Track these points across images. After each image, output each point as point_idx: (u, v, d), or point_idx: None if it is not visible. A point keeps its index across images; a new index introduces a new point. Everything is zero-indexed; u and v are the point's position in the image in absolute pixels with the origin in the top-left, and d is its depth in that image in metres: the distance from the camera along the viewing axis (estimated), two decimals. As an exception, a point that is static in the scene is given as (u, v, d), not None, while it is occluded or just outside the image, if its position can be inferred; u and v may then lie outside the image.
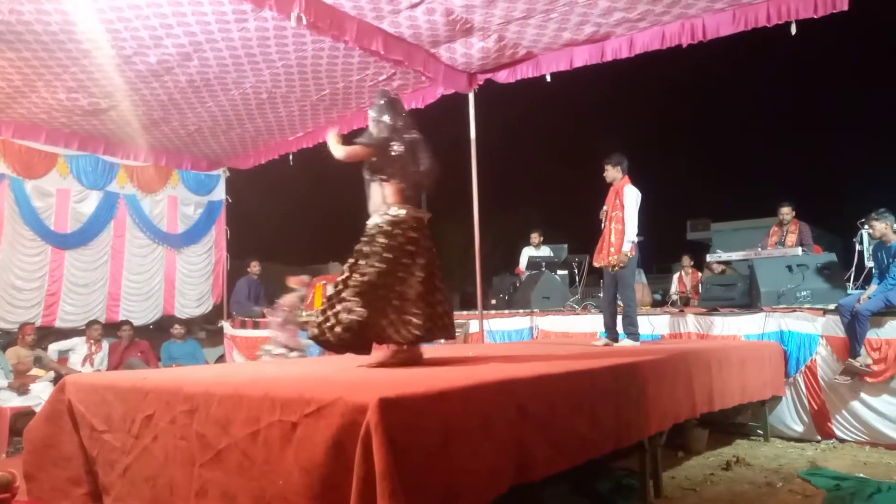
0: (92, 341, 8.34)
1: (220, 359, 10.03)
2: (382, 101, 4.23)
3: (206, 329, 10.95)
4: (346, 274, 3.90)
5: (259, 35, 6.34)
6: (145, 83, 7.29)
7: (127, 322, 9.07)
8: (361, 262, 3.90)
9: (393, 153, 4.04)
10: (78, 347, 8.29)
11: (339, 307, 3.80)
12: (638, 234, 6.00)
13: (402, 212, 3.99)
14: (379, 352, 4.07)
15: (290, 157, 9.60)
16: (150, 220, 10.12)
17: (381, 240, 3.92)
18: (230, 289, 10.46)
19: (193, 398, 3.08)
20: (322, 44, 6.57)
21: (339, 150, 4.10)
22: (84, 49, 6.41)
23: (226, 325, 10.17)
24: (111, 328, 9.07)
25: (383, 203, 4.03)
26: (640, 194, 5.98)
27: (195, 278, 10.63)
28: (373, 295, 3.81)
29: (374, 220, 4.02)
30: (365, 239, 3.98)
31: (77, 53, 6.50)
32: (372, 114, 4.25)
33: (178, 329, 9.49)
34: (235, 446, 2.80)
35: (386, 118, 4.15)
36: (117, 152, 9.37)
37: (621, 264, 5.88)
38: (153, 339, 9.52)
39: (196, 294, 10.61)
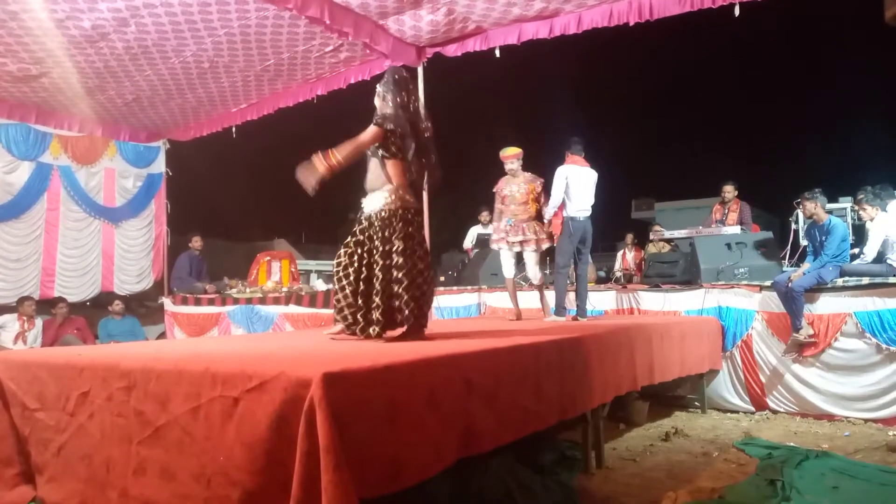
0: (24, 318, 8.06)
1: (161, 336, 9.81)
2: (392, 78, 4.07)
3: (146, 306, 10.68)
4: (383, 262, 3.80)
5: (200, 1, 6.13)
6: (79, 49, 6.98)
7: (62, 299, 8.78)
8: (388, 247, 3.81)
9: (408, 133, 3.92)
10: (9, 325, 8.00)
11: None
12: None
13: (401, 202, 3.88)
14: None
15: (234, 129, 9.37)
16: (86, 193, 9.77)
17: (401, 225, 3.83)
18: (171, 264, 10.20)
19: (131, 374, 2.99)
20: (266, 12, 6.39)
21: (356, 145, 3.83)
22: (11, 11, 6.08)
23: (166, 302, 9.93)
24: (45, 305, 8.77)
25: (387, 182, 3.91)
26: (562, 172, 6.09)
27: (135, 253, 10.34)
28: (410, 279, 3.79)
29: (382, 202, 3.88)
30: (380, 223, 3.85)
31: (4, 15, 6.16)
32: (380, 89, 4.08)
33: (117, 305, 9.23)
34: (175, 423, 2.74)
35: (397, 97, 4.00)
36: (50, 121, 9.00)
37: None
38: (90, 315, 9.25)
39: (136, 270, 10.33)
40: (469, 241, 9.80)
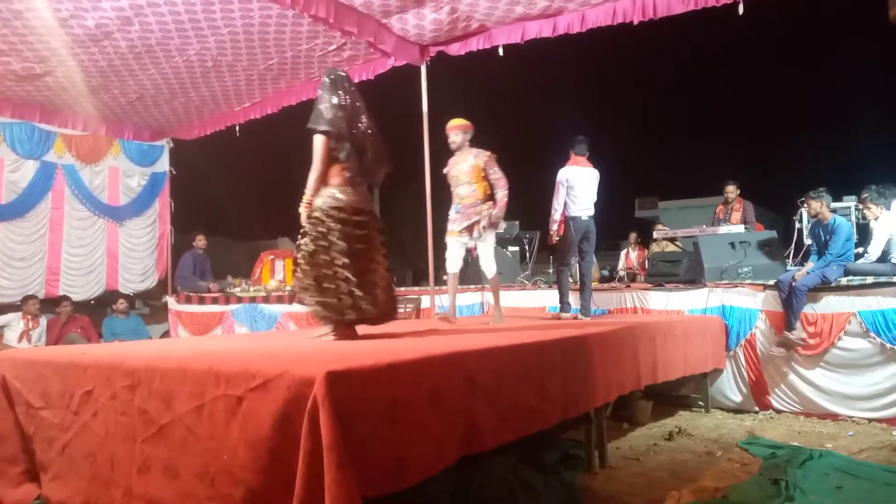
0: (29, 317, 8.08)
1: (165, 335, 9.82)
2: (329, 79, 4.09)
3: (150, 304, 10.70)
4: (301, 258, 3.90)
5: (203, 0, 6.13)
6: (83, 48, 6.98)
7: (66, 297, 8.79)
8: (308, 243, 3.88)
9: (342, 135, 3.94)
10: (13, 323, 8.02)
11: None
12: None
13: (334, 201, 3.91)
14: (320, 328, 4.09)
15: (237, 127, 9.37)
16: (91, 192, 9.78)
17: (330, 224, 3.86)
18: (175, 263, 10.21)
19: (135, 373, 3.00)
20: (269, 11, 6.39)
21: (314, 170, 3.94)
22: (16, 10, 6.09)
23: (170, 301, 9.94)
24: (50, 303, 8.78)
25: (325, 183, 3.97)
26: (562, 176, 6.08)
27: (139, 252, 10.35)
28: (318, 274, 3.81)
29: (317, 202, 3.94)
30: (311, 223, 3.92)
31: (8, 14, 6.17)
32: (320, 92, 4.12)
33: (121, 304, 9.25)
34: (179, 421, 2.75)
35: (335, 98, 4.02)
36: (54, 120, 9.00)
37: None
38: (94, 314, 9.27)
39: (140, 268, 10.34)
40: (472, 239, 9.78)
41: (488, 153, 5.51)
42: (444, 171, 5.71)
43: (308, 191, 3.94)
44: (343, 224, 3.88)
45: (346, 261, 3.82)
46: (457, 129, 5.58)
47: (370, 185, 4.16)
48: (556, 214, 6.05)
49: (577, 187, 6.06)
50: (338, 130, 3.94)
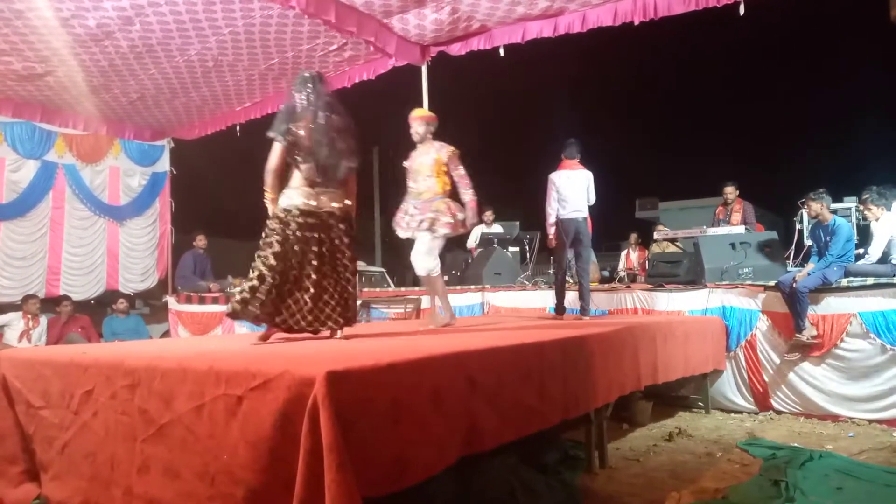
0: (29, 316, 8.08)
1: (165, 334, 9.82)
2: (296, 82, 4.10)
3: (150, 304, 10.69)
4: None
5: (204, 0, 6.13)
6: (84, 48, 6.99)
7: (66, 297, 8.80)
8: (263, 246, 3.90)
9: (295, 140, 3.94)
10: (14, 323, 8.02)
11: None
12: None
13: (295, 201, 3.91)
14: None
15: (238, 127, 9.37)
16: (91, 192, 9.78)
17: (273, 226, 3.89)
18: (175, 263, 10.21)
19: (135, 372, 3.00)
20: (270, 10, 6.39)
21: (266, 171, 3.97)
22: (17, 10, 6.10)
23: (171, 301, 9.94)
24: (50, 303, 8.78)
25: (287, 186, 3.99)
26: (550, 181, 6.23)
27: (139, 252, 10.35)
28: (268, 277, 3.83)
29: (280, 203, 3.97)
30: (268, 221, 3.95)
31: (10, 14, 6.18)
32: (292, 93, 4.13)
33: (121, 304, 9.25)
34: (179, 421, 2.74)
35: (296, 100, 4.03)
36: (55, 120, 9.02)
37: None
38: (94, 314, 9.27)
39: (140, 268, 10.35)
40: (473, 240, 9.79)
41: (452, 148, 5.15)
42: (405, 163, 5.35)
43: (267, 189, 3.98)
44: (285, 226, 3.88)
45: (274, 263, 3.83)
46: (420, 121, 5.23)
47: (327, 181, 4.01)
48: (550, 218, 6.21)
49: (565, 190, 6.20)
50: (287, 137, 3.92)
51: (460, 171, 5.13)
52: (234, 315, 3.92)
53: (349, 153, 4.08)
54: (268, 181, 3.96)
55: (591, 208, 6.33)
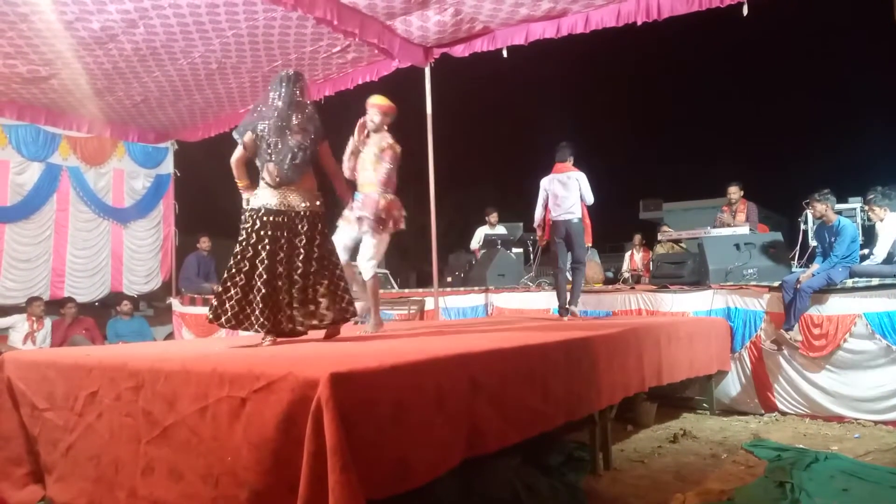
0: (33, 318, 8.10)
1: (169, 336, 9.84)
2: (274, 79, 4.17)
3: (154, 306, 10.71)
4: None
5: (208, 2, 6.14)
6: (88, 51, 7.00)
7: (70, 299, 8.81)
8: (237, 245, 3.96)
9: (252, 135, 4.03)
10: (18, 325, 8.04)
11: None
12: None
13: (258, 202, 3.99)
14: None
15: (241, 129, 9.36)
16: (95, 194, 9.80)
17: (243, 225, 3.97)
18: (179, 265, 10.23)
19: (139, 374, 3.00)
20: (274, 13, 6.40)
21: (231, 163, 4.09)
22: (21, 13, 6.11)
23: (174, 303, 9.96)
24: (54, 305, 8.80)
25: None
26: (541, 187, 6.54)
27: (143, 254, 10.37)
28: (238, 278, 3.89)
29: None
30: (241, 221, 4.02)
31: (14, 17, 6.19)
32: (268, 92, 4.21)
33: (125, 306, 9.26)
34: (183, 423, 2.75)
35: (266, 100, 4.11)
36: (59, 122, 9.03)
37: None
38: (99, 316, 9.28)
39: (144, 270, 10.36)
40: (476, 241, 9.80)
41: (390, 142, 4.82)
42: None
43: (237, 179, 4.12)
44: (252, 224, 3.94)
45: (245, 264, 3.89)
46: (376, 108, 4.85)
47: (286, 181, 4.00)
48: (535, 222, 6.62)
49: (555, 195, 6.41)
50: (248, 137, 4.01)
51: (383, 167, 4.78)
52: (233, 327, 4.09)
53: (305, 155, 4.06)
54: (234, 172, 4.11)
55: (593, 209, 6.47)
